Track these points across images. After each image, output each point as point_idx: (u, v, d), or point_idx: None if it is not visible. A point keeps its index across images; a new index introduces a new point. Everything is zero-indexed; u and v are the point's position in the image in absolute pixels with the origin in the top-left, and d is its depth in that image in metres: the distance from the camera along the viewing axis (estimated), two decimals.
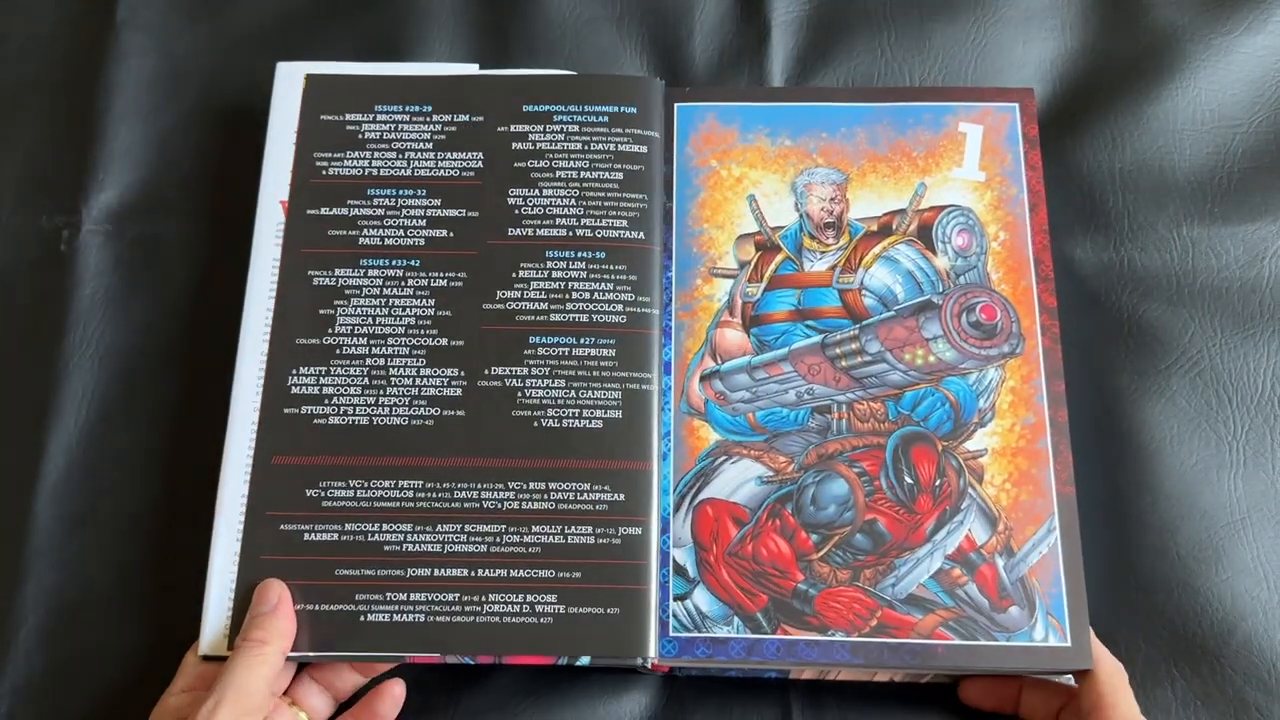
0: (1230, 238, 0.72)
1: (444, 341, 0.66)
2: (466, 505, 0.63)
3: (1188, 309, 0.70)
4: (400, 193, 0.69)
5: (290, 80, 0.72)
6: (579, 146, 0.70)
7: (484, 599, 0.61)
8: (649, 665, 0.61)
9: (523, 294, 0.67)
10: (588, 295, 0.67)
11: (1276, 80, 0.76)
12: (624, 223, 0.69)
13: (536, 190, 0.69)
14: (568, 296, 0.67)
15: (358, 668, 0.62)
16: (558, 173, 0.70)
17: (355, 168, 0.70)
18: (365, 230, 0.69)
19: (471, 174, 0.70)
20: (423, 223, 0.69)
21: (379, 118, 0.71)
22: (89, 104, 0.77)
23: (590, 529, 0.63)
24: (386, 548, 0.62)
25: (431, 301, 0.67)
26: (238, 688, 0.56)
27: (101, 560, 0.67)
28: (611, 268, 0.68)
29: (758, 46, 0.78)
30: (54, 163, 0.76)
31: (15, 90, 0.78)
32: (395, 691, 0.62)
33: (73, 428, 0.70)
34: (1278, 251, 0.71)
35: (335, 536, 0.62)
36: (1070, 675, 0.61)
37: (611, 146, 0.70)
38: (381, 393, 0.65)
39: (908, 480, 0.65)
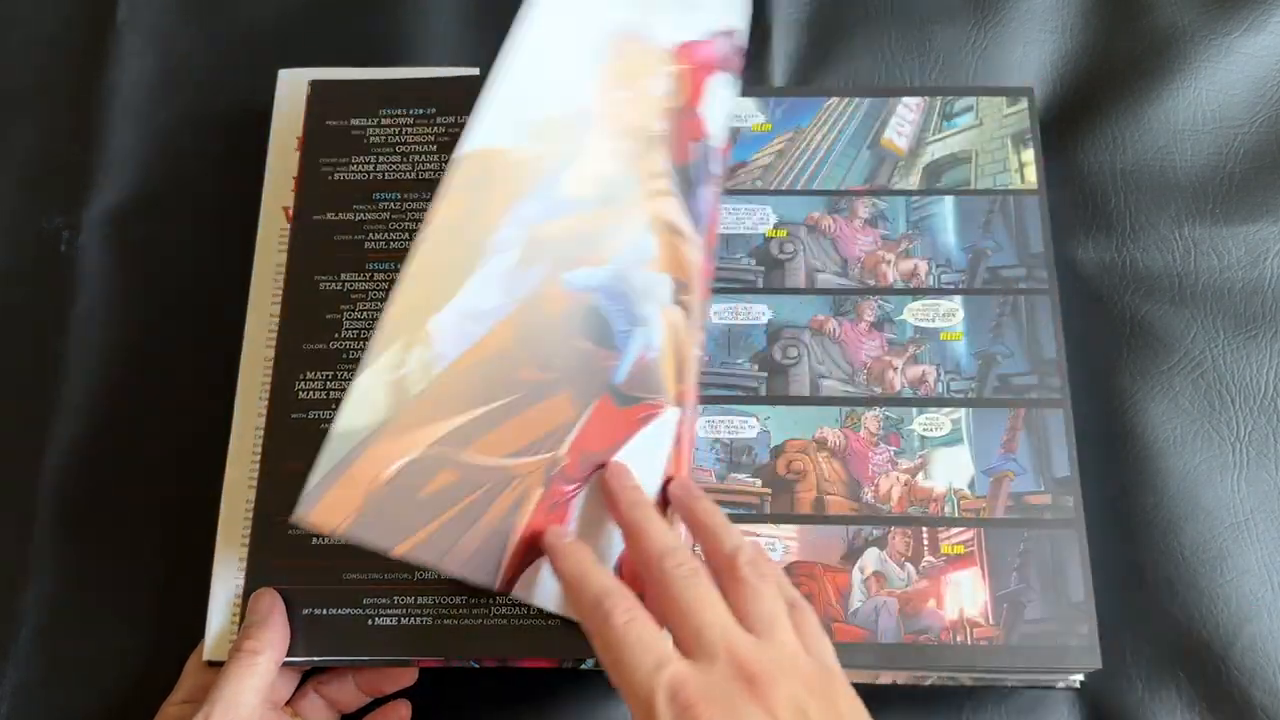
0: (1232, 238, 0.72)
1: None
2: None
3: (1190, 309, 0.70)
4: (406, 196, 0.69)
5: (292, 87, 0.72)
6: None
7: (491, 602, 0.61)
8: None
9: None
10: None
11: (1278, 80, 0.76)
12: None
13: None
14: None
15: (361, 684, 0.62)
16: None
17: (361, 172, 0.70)
18: (371, 235, 0.68)
19: None
20: None
21: (383, 121, 0.71)
22: (89, 104, 0.77)
23: None
24: None
25: None
26: (228, 700, 0.55)
27: (102, 562, 0.67)
28: None
29: (758, 48, 0.78)
30: (54, 163, 0.76)
31: (15, 90, 0.78)
32: (402, 713, 0.62)
33: (72, 428, 0.70)
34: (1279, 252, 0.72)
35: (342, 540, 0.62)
36: (1079, 675, 0.62)
37: None
38: None
39: None
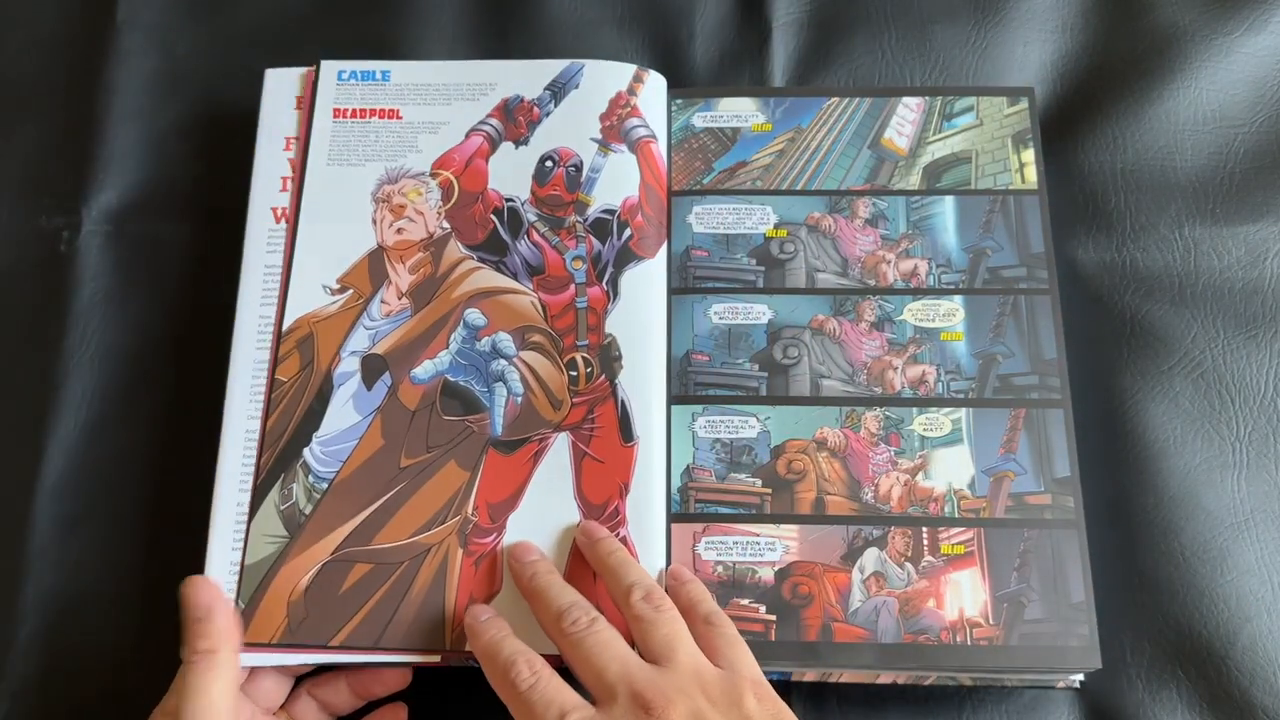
0: (1232, 238, 0.72)
1: None
2: None
3: (1190, 309, 0.70)
4: None
5: (279, 87, 0.72)
6: None
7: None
8: None
9: None
10: None
11: (1278, 80, 0.76)
12: None
13: None
14: None
15: (354, 687, 0.61)
16: None
17: None
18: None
19: None
20: None
21: None
22: (89, 104, 0.77)
23: None
24: None
25: None
26: (202, 710, 0.53)
27: (101, 561, 0.67)
28: None
29: (758, 48, 0.78)
30: (54, 163, 0.76)
31: (15, 90, 0.78)
32: (399, 715, 0.62)
33: (72, 428, 0.70)
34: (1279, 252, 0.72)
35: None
36: (1079, 675, 0.62)
37: None
38: None
39: None
